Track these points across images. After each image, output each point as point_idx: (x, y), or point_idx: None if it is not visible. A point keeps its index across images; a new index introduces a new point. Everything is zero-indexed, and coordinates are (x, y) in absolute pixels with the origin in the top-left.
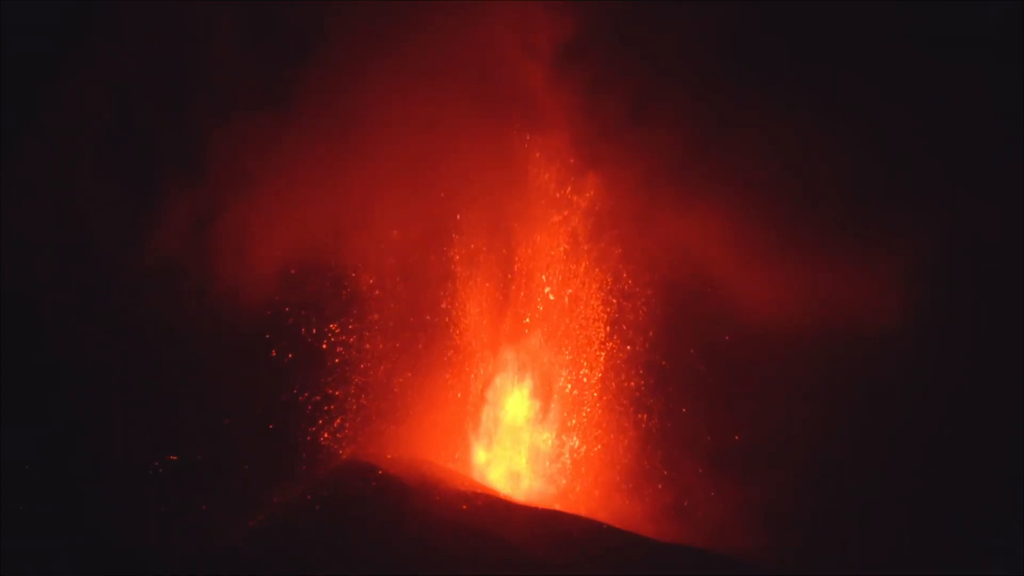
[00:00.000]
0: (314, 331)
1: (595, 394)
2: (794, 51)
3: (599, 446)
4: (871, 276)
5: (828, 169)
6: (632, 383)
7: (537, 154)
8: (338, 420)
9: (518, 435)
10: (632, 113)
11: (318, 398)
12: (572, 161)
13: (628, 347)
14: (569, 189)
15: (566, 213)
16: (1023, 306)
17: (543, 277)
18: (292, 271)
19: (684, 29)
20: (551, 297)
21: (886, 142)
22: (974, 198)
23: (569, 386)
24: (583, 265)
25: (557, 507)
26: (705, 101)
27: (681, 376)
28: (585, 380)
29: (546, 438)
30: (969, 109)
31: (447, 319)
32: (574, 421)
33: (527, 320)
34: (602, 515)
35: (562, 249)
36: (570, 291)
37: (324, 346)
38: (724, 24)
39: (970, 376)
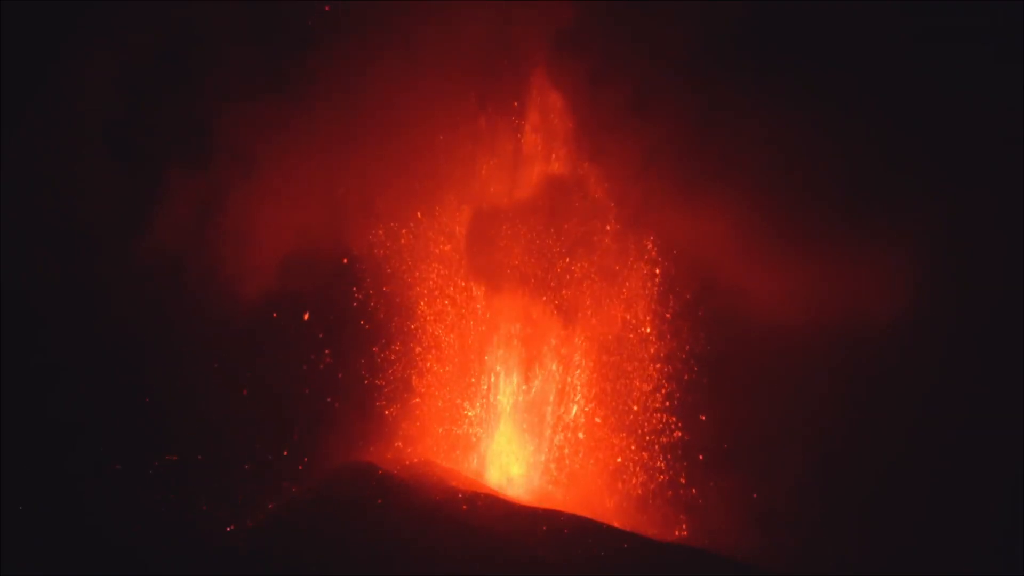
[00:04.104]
0: (315, 327)
1: (594, 393)
2: (796, 46)
3: (598, 446)
4: (873, 273)
5: (830, 164)
6: (631, 382)
7: (538, 145)
8: (339, 418)
9: (517, 435)
10: (632, 105)
11: (319, 396)
12: (573, 152)
13: (627, 345)
14: (569, 182)
15: (566, 207)
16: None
17: (543, 272)
18: (294, 264)
19: (686, 22)
20: (550, 293)
21: (887, 138)
22: (974, 194)
23: (567, 385)
24: (582, 261)
25: (557, 507)
26: (706, 95)
27: (681, 374)
28: (584, 379)
29: (545, 437)
30: (969, 105)
31: (448, 315)
32: (573, 420)
33: (525, 317)
34: (602, 515)
35: (562, 244)
36: (569, 288)
37: (325, 342)
38: (725, 17)
39: (971, 374)
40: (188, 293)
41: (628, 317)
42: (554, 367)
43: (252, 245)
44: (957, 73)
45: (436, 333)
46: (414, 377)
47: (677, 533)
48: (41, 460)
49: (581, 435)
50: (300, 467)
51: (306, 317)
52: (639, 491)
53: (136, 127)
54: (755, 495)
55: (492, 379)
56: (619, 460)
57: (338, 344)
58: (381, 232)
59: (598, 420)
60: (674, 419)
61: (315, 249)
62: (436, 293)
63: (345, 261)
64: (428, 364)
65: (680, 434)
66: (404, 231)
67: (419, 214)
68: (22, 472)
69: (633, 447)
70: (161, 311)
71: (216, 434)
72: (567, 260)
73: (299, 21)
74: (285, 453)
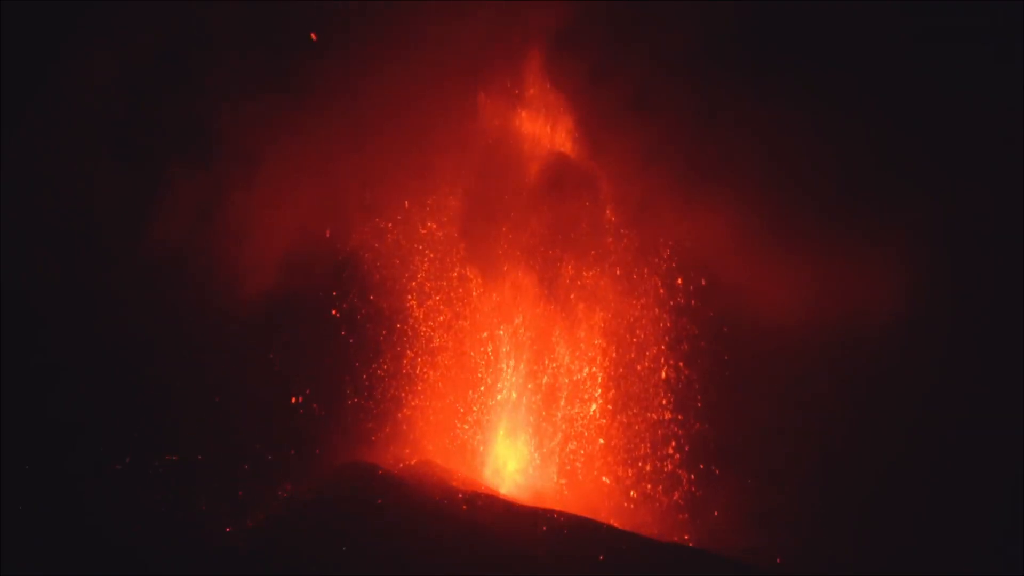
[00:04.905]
0: (316, 327)
1: (594, 393)
2: (796, 46)
3: (599, 446)
4: (873, 273)
5: (830, 164)
6: (631, 382)
7: (538, 142)
8: (340, 418)
9: (518, 435)
10: (633, 105)
11: (319, 396)
12: (574, 151)
13: (627, 345)
14: (570, 180)
15: (566, 205)
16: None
17: (543, 271)
18: (295, 263)
19: (686, 21)
20: (550, 292)
21: (887, 138)
22: (974, 194)
23: (569, 385)
24: (583, 260)
25: (557, 507)
26: (706, 95)
27: (681, 374)
28: (584, 379)
29: (545, 437)
30: (969, 105)
31: (449, 313)
32: (573, 420)
33: (525, 318)
34: (602, 515)
35: (562, 242)
36: (571, 288)
37: (326, 342)
38: (725, 17)
39: (971, 374)
40: (188, 293)
41: (626, 315)
42: (566, 358)
43: (252, 245)
44: (957, 73)
45: (437, 332)
46: (415, 376)
47: (678, 533)
48: (41, 460)
49: (577, 436)
50: (300, 467)
51: (294, 400)
52: (640, 491)
53: (136, 126)
54: (755, 495)
55: (490, 378)
56: (619, 460)
57: (338, 344)
58: (368, 232)
59: (586, 420)
60: (674, 419)
61: (315, 248)
62: (428, 287)
63: (340, 257)
64: (419, 371)
65: (680, 434)
66: (390, 224)
67: (407, 203)
68: (22, 472)
69: (632, 447)
70: (161, 311)
71: (216, 434)
72: (567, 254)
73: (299, 20)
74: (286, 453)
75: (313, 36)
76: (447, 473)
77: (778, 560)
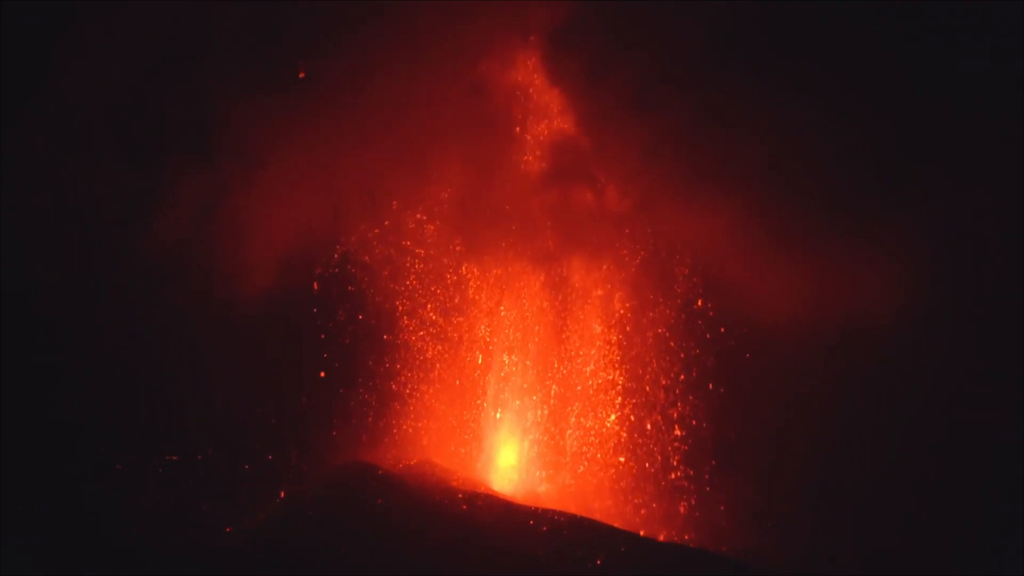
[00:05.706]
0: (316, 328)
1: (594, 394)
2: (796, 46)
3: (599, 446)
4: (872, 273)
5: (830, 164)
6: (631, 383)
7: (538, 141)
8: (340, 419)
9: (518, 435)
10: (632, 103)
11: (319, 397)
12: (572, 150)
13: (628, 346)
14: (568, 179)
15: (565, 204)
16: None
17: (542, 270)
18: (295, 265)
19: (686, 20)
20: (550, 292)
21: (886, 138)
22: (973, 194)
23: (570, 386)
24: (582, 260)
25: (557, 507)
26: (707, 95)
27: (681, 376)
28: (584, 380)
29: (544, 438)
30: (967, 105)
31: (450, 315)
32: (573, 421)
33: (527, 318)
34: (602, 515)
35: (561, 242)
36: (571, 286)
37: (326, 343)
38: (726, 18)
39: (970, 375)
40: (189, 294)
41: (627, 315)
42: (548, 367)
43: (253, 245)
44: (957, 73)
45: (437, 334)
46: (416, 377)
47: (678, 533)
48: (41, 460)
49: (576, 436)
50: (300, 467)
51: (288, 473)
52: (639, 491)
53: (137, 126)
54: (755, 494)
55: (492, 379)
56: (619, 460)
57: (338, 345)
58: (384, 231)
59: (586, 421)
60: (674, 420)
61: (314, 248)
62: (438, 294)
63: (343, 263)
64: (429, 364)
65: (680, 435)
66: (405, 229)
67: (395, 203)
68: (22, 472)
69: (632, 448)
70: (161, 312)
71: (216, 434)
72: (566, 255)
73: (299, 20)
74: (286, 453)
75: (302, 74)
76: (447, 473)
77: (777, 560)
